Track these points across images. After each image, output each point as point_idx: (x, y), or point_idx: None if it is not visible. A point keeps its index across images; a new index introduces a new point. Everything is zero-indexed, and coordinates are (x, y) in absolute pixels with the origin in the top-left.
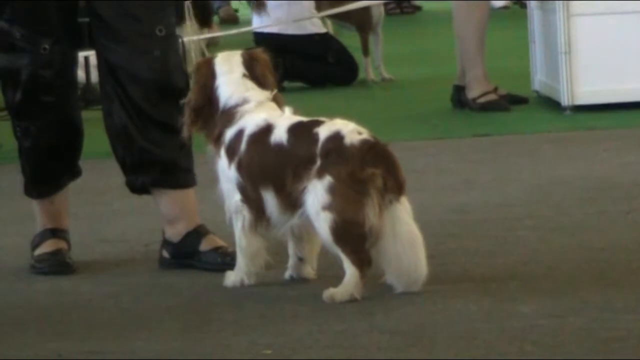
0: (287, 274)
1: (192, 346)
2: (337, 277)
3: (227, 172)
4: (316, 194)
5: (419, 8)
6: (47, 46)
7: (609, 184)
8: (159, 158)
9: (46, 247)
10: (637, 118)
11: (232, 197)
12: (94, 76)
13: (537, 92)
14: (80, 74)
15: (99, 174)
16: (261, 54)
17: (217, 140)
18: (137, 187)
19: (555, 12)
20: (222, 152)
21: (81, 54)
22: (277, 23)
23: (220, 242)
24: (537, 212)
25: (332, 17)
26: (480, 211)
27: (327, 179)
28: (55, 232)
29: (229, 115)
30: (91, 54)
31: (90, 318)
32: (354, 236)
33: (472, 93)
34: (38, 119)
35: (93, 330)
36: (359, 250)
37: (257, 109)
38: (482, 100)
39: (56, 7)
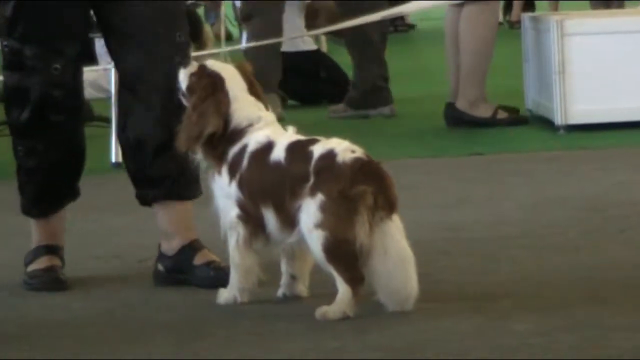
0: (280, 292)
1: None
2: (330, 295)
3: (226, 189)
4: (309, 212)
5: (412, 26)
6: (58, 66)
7: (602, 203)
8: (173, 172)
9: (39, 263)
10: (631, 137)
11: (228, 213)
12: (87, 93)
13: (530, 111)
14: None
15: (92, 190)
16: (250, 69)
17: (219, 158)
18: (149, 201)
19: (549, 31)
20: (224, 170)
21: None
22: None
23: (213, 257)
24: (531, 230)
25: (327, 34)
26: (473, 229)
27: (319, 197)
28: (50, 249)
29: (237, 134)
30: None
31: (83, 334)
32: (346, 254)
33: (484, 112)
34: (45, 138)
35: (86, 346)
36: (352, 268)
37: (262, 128)
38: (501, 117)
39: (69, 25)
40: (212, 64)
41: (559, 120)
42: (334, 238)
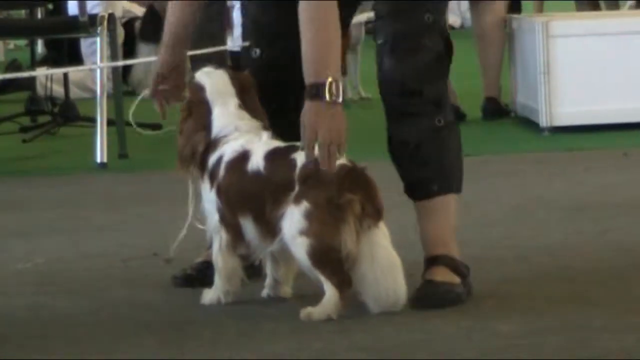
0: (264, 293)
1: None
2: (315, 296)
3: (207, 195)
4: (292, 219)
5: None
6: None
7: (588, 204)
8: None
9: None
10: (616, 139)
11: (212, 217)
12: (72, 93)
13: (515, 112)
14: (60, 90)
15: (77, 188)
16: (247, 77)
17: (201, 164)
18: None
19: (534, 33)
20: (205, 176)
21: (61, 70)
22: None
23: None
24: (516, 231)
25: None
26: (458, 231)
27: (304, 205)
28: None
29: (215, 144)
30: (71, 70)
31: (69, 334)
32: (331, 260)
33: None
34: None
35: (71, 346)
36: (338, 272)
37: (239, 136)
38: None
39: None
40: (202, 73)
41: (544, 121)
42: (319, 245)
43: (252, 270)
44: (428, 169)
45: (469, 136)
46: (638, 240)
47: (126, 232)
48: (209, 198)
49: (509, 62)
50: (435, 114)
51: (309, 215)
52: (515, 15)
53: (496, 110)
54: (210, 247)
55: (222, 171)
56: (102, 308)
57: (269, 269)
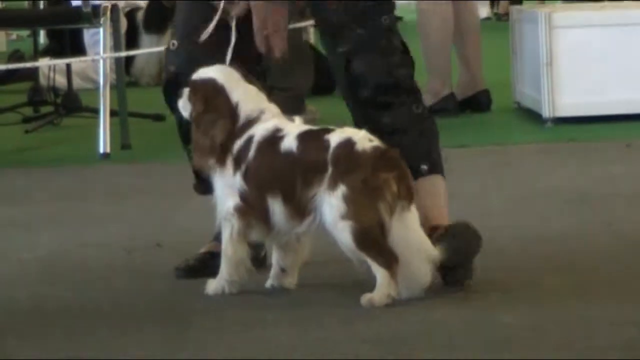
0: (269, 283)
1: (172, 352)
2: (317, 287)
3: (229, 180)
4: (331, 204)
5: (399, 18)
6: None
7: (590, 195)
8: None
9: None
10: (619, 130)
11: (225, 203)
12: (76, 83)
13: (518, 103)
14: (62, 80)
15: (80, 179)
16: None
17: (223, 152)
18: None
19: (537, 23)
20: (228, 162)
21: (63, 61)
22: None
23: None
24: (518, 222)
25: (315, 25)
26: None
27: (341, 188)
28: None
29: (243, 128)
30: (74, 61)
31: (70, 323)
32: (375, 240)
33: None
34: None
35: (73, 336)
36: (384, 252)
37: (269, 119)
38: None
39: None
40: (200, 72)
41: (546, 112)
42: (361, 227)
43: (258, 262)
44: (416, 152)
45: (470, 127)
46: None
47: (129, 222)
48: (229, 183)
49: (511, 53)
50: (413, 102)
51: (347, 199)
52: (517, 7)
53: (490, 100)
54: (215, 238)
55: (252, 152)
56: (104, 298)
57: (275, 258)
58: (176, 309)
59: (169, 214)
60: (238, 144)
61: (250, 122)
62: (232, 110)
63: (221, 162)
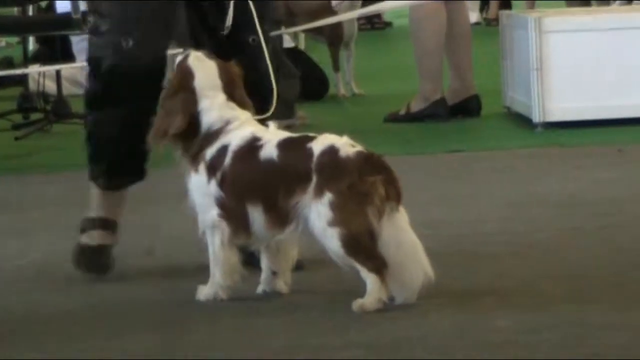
0: (260, 289)
1: (165, 358)
2: (309, 292)
3: (204, 188)
4: (319, 212)
5: (389, 24)
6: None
7: (582, 200)
8: None
9: (91, 237)
10: (609, 135)
11: (207, 212)
12: (66, 88)
13: (508, 108)
14: (52, 85)
15: (71, 186)
16: (235, 69)
17: (195, 157)
18: None
19: (527, 28)
20: (201, 168)
21: (53, 67)
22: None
23: None
24: (510, 228)
25: (306, 31)
26: (453, 227)
27: (327, 195)
28: (106, 223)
29: (213, 135)
30: (63, 67)
31: (66, 330)
32: (364, 245)
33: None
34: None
35: (68, 342)
36: (373, 257)
37: (242, 126)
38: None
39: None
40: (194, 58)
41: (537, 117)
42: (349, 233)
43: (250, 266)
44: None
45: (462, 132)
46: (633, 237)
47: (121, 229)
48: (206, 191)
49: (501, 58)
50: None
51: (334, 206)
52: (507, 11)
53: (480, 106)
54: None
55: (228, 160)
56: (98, 304)
57: (264, 263)
58: (169, 315)
59: (161, 220)
60: (210, 151)
61: (219, 130)
62: (192, 113)
63: (194, 167)
